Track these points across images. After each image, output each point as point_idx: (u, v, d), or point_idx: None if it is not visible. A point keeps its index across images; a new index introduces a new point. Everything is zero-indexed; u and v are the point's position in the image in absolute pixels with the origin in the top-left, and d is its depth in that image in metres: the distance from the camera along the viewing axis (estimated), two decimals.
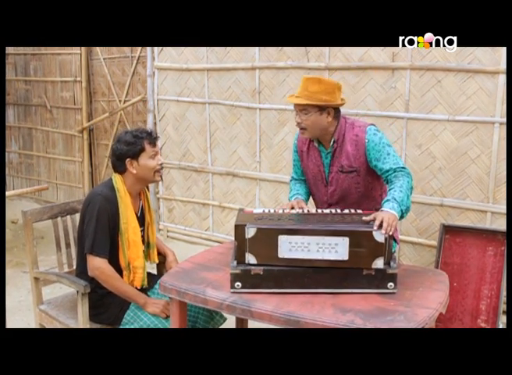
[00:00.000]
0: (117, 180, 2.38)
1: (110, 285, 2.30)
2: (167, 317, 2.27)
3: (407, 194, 2.14)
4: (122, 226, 2.34)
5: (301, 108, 2.30)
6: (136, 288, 2.37)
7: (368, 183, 2.39)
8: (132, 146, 2.34)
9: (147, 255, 2.53)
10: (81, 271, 2.38)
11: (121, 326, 2.34)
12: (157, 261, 2.61)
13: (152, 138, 2.39)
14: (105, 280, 2.29)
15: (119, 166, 2.39)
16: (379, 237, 1.91)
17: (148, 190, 2.60)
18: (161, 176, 2.45)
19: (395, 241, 2.46)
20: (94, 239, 2.27)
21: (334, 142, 2.36)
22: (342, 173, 2.37)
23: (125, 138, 2.36)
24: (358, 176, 2.36)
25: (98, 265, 2.27)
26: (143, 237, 2.49)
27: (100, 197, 2.31)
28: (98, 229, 2.27)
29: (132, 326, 2.31)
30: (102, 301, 2.35)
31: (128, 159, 2.34)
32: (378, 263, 1.93)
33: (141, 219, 2.48)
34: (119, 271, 2.35)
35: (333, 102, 2.29)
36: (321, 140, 2.41)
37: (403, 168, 2.26)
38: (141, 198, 2.52)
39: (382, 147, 2.29)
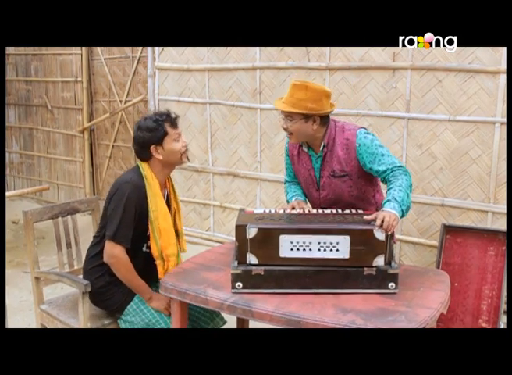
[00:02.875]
0: (144, 167, 2.33)
1: (121, 274, 2.28)
2: (170, 314, 2.28)
3: (406, 193, 2.13)
4: (151, 214, 2.29)
5: (286, 115, 2.26)
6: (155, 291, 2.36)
7: (360, 185, 2.36)
8: (154, 132, 2.28)
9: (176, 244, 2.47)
10: (97, 264, 2.34)
11: (123, 317, 2.34)
12: (186, 250, 2.56)
13: (173, 119, 2.34)
14: (118, 269, 2.27)
15: (143, 154, 2.33)
16: (380, 235, 1.92)
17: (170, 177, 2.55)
18: (187, 158, 2.40)
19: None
20: (118, 226, 2.23)
21: (324, 147, 2.33)
22: (334, 177, 2.34)
23: (146, 125, 2.30)
24: (350, 180, 2.33)
25: (117, 253, 2.24)
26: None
27: (129, 185, 2.26)
28: (125, 217, 2.23)
29: (133, 319, 2.31)
30: (108, 287, 2.34)
31: (153, 146, 2.29)
32: (379, 261, 1.93)
33: (168, 207, 2.43)
34: (144, 262, 2.33)
35: (319, 111, 2.23)
36: (311, 144, 2.38)
37: (399, 166, 2.23)
38: (167, 185, 2.47)
39: (375, 149, 2.25)
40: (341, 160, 2.31)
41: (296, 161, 2.47)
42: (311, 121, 2.25)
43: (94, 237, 2.46)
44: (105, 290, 2.34)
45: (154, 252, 2.33)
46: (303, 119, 2.24)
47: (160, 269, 2.34)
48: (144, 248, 2.38)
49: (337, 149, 2.31)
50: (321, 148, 2.34)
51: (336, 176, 2.33)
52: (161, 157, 2.31)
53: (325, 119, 2.31)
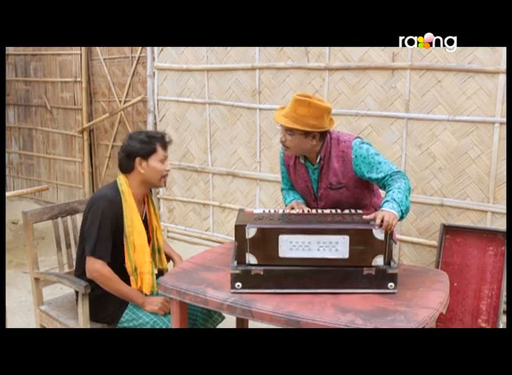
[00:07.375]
0: (122, 182, 2.36)
1: (109, 287, 2.29)
2: (165, 314, 2.28)
3: (405, 195, 2.13)
4: (126, 230, 2.32)
5: (287, 129, 2.26)
6: (145, 295, 2.36)
7: (357, 194, 2.37)
8: (145, 145, 2.33)
9: (154, 261, 2.49)
10: (81, 273, 2.37)
11: (119, 325, 2.34)
12: (167, 267, 2.57)
13: (165, 142, 2.39)
14: (104, 283, 2.29)
15: (127, 165, 2.37)
16: (379, 234, 1.92)
17: (151, 194, 2.58)
18: (164, 183, 2.44)
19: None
20: (96, 242, 2.26)
21: (320, 159, 2.33)
22: (331, 189, 2.35)
23: (139, 137, 2.35)
24: (348, 191, 2.34)
25: (98, 267, 2.27)
26: (149, 241, 2.47)
27: (104, 199, 2.29)
28: (101, 232, 2.26)
29: (131, 324, 2.31)
30: (100, 300, 2.34)
31: (138, 158, 2.33)
32: (378, 261, 1.93)
33: (145, 224, 2.46)
34: (126, 276, 2.34)
35: (320, 128, 2.24)
36: (307, 156, 2.38)
37: (397, 171, 2.24)
38: (145, 202, 2.50)
39: (371, 158, 2.26)
40: (337, 172, 2.32)
41: (293, 171, 2.47)
42: (310, 137, 2.26)
43: (77, 257, 2.46)
44: (97, 303, 2.33)
45: (128, 268, 2.34)
46: (303, 135, 2.25)
47: (133, 286, 2.35)
48: (125, 264, 2.38)
49: (333, 161, 2.32)
50: (318, 160, 2.34)
51: (334, 189, 2.34)
52: (142, 171, 2.34)
53: (323, 134, 2.31)
